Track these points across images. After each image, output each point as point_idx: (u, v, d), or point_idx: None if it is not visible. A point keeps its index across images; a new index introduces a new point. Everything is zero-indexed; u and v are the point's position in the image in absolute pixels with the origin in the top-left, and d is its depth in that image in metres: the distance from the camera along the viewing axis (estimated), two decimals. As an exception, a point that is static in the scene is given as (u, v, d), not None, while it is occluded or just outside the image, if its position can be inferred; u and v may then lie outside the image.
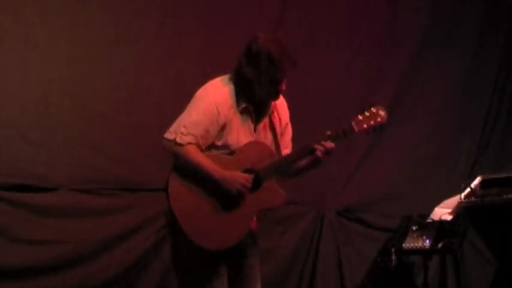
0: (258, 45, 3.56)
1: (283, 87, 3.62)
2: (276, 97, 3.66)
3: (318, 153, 3.57)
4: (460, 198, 4.78)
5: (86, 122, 4.84)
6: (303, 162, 3.71)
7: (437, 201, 5.18)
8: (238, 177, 3.54)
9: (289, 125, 3.84)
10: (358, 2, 5.90)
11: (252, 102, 3.63)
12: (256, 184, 3.58)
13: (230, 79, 3.66)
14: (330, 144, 3.58)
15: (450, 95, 6.23)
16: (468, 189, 4.77)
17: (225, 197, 3.55)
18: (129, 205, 4.93)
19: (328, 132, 3.60)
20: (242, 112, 3.63)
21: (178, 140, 3.54)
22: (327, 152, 3.58)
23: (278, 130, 3.75)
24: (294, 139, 3.87)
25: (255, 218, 3.71)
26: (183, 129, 3.54)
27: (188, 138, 3.53)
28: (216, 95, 3.61)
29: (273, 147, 3.73)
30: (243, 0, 5.38)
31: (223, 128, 3.58)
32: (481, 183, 4.81)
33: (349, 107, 5.23)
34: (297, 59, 3.59)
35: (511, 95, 6.47)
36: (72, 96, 4.81)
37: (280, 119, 3.78)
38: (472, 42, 6.31)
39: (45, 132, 4.73)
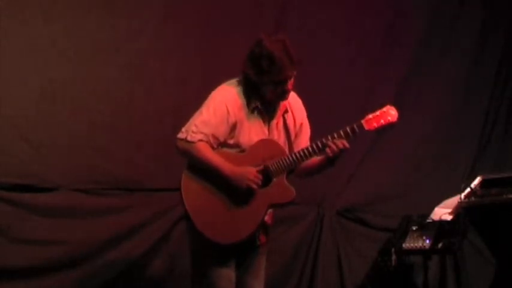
0: (260, 48, 3.60)
1: (289, 86, 3.65)
2: (283, 97, 3.69)
3: (328, 150, 3.60)
4: (460, 198, 4.78)
5: (86, 122, 4.84)
6: (315, 161, 3.75)
7: (437, 201, 5.19)
8: (248, 173, 3.60)
9: (307, 125, 3.88)
10: (359, 2, 5.90)
11: (262, 101, 3.69)
12: (267, 180, 3.65)
13: (239, 81, 3.72)
14: (341, 142, 3.60)
15: (450, 95, 6.23)
16: (468, 189, 4.77)
17: (235, 193, 3.62)
18: (129, 205, 4.93)
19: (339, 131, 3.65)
20: (253, 111, 3.69)
21: (189, 138, 3.62)
22: (339, 149, 3.60)
23: (292, 130, 3.81)
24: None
25: (271, 211, 3.77)
26: (193, 128, 3.62)
27: (198, 136, 3.61)
28: (226, 95, 3.68)
29: (286, 147, 3.77)
30: (243, 0, 5.38)
31: (234, 127, 3.66)
32: (481, 183, 4.81)
33: (350, 107, 5.24)
34: (300, 59, 3.61)
35: (511, 95, 6.48)
36: (72, 96, 4.81)
37: (294, 120, 3.82)
38: (472, 42, 6.32)
39: (45, 132, 4.72)
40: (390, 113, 3.66)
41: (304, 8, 5.62)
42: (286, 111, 3.79)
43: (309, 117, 3.90)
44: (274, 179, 3.64)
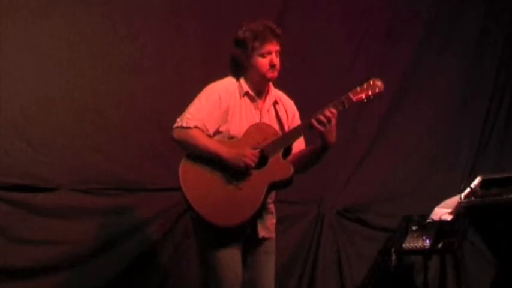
0: (242, 30, 3.78)
1: (275, 61, 3.73)
2: (272, 72, 3.75)
3: (314, 122, 3.63)
4: (460, 198, 4.78)
5: (86, 121, 4.84)
6: (310, 148, 3.80)
7: (437, 201, 5.19)
8: (244, 152, 3.65)
9: (299, 122, 3.91)
10: (359, 2, 5.90)
11: (253, 86, 3.78)
12: (263, 161, 3.69)
13: (228, 75, 3.85)
14: (326, 113, 3.63)
15: (450, 95, 6.24)
16: (468, 189, 4.77)
17: (234, 174, 3.66)
18: (129, 205, 4.93)
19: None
20: (244, 96, 3.78)
21: (184, 124, 3.70)
22: (327, 119, 3.62)
23: (284, 122, 3.88)
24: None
25: (271, 201, 3.83)
26: (188, 115, 3.72)
27: (194, 122, 3.69)
28: (216, 86, 3.82)
29: None
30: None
31: (226, 113, 3.74)
32: (481, 183, 4.81)
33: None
34: (281, 31, 3.75)
35: (511, 95, 6.48)
36: (72, 96, 4.81)
37: (286, 111, 3.90)
38: (472, 42, 6.32)
39: (45, 132, 4.72)
40: (377, 84, 3.72)
41: (304, 7, 5.63)
42: (276, 103, 3.88)
43: (309, 114, 3.91)
44: (271, 159, 3.69)
